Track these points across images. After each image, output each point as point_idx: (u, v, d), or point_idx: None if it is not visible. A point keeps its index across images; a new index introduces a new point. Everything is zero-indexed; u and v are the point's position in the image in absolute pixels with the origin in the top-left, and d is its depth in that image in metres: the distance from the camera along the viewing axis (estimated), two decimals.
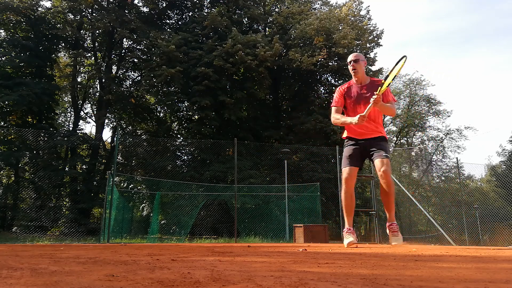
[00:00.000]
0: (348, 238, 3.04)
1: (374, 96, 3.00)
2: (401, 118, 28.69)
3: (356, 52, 16.89)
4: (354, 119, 3.04)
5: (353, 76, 3.29)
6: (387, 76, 3.11)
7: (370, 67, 18.20)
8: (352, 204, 3.17)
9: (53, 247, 2.95)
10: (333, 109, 3.30)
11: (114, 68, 18.95)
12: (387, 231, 3.17)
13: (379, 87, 3.05)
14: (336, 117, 3.24)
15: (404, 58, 3.05)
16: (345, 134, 3.35)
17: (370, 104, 3.01)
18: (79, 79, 18.68)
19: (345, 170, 3.17)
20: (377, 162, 3.07)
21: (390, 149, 27.33)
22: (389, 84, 3.12)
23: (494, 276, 0.99)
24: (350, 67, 3.29)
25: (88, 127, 49.13)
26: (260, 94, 16.99)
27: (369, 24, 18.35)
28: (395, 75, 3.10)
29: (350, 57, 3.32)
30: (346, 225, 3.14)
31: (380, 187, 3.10)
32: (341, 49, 15.54)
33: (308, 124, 15.47)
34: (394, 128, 29.60)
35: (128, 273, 0.93)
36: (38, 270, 1.00)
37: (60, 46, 18.16)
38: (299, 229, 6.42)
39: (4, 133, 15.01)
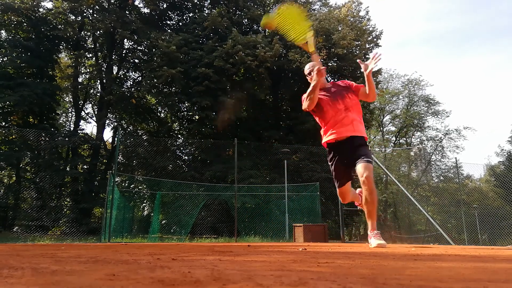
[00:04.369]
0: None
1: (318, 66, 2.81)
2: (400, 118, 28.70)
3: (355, 53, 16.91)
4: (315, 70, 2.80)
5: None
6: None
7: None
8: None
9: (54, 246, 2.96)
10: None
11: (115, 68, 18.98)
12: (370, 239, 2.86)
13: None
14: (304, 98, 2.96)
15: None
16: (324, 139, 3.00)
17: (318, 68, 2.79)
18: (80, 80, 18.71)
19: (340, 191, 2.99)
20: (358, 167, 2.79)
21: (388, 150, 27.34)
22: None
23: (493, 275, 0.99)
24: (308, 78, 3.05)
25: (89, 127, 49.36)
26: (260, 95, 17.00)
27: (368, 25, 18.36)
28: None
29: (306, 70, 3.11)
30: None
31: (362, 196, 2.82)
32: (340, 50, 15.55)
33: (307, 124, 15.48)
34: (393, 128, 29.63)
35: (129, 273, 0.94)
36: (39, 270, 1.01)
37: (61, 46, 18.20)
38: (299, 229, 6.43)
39: (5, 133, 15.03)
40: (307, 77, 3.07)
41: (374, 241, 2.80)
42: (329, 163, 3.06)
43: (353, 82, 3.09)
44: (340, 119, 2.89)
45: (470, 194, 15.90)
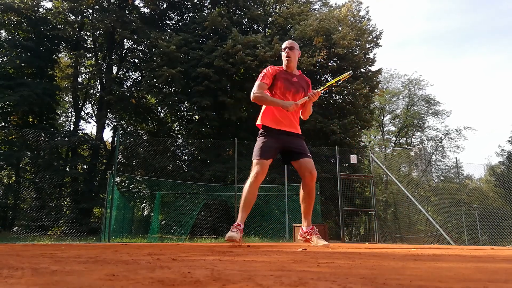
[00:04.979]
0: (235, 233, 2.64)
1: (314, 91, 2.91)
2: (400, 118, 28.70)
3: (356, 53, 16.91)
4: (287, 104, 2.75)
5: (284, 64, 3.00)
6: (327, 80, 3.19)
7: (369, 67, 18.18)
8: (253, 201, 2.82)
9: (54, 246, 2.95)
10: (259, 83, 2.85)
11: (115, 68, 18.98)
12: (311, 236, 2.92)
13: (323, 86, 3.09)
14: (260, 93, 2.82)
15: (349, 73, 3.10)
16: (259, 121, 2.95)
17: (306, 97, 2.90)
18: (80, 80, 18.70)
19: (258, 163, 2.80)
20: (305, 161, 2.87)
21: (388, 150, 27.31)
22: (325, 88, 3.15)
23: (493, 275, 0.99)
24: (284, 54, 2.97)
25: (89, 127, 49.28)
26: None
27: (369, 25, 18.37)
28: (334, 82, 3.12)
29: (286, 44, 3.01)
30: (238, 220, 2.74)
31: (304, 190, 2.90)
32: (340, 50, 15.55)
33: (307, 124, 15.47)
34: (393, 128, 29.64)
35: (129, 273, 0.93)
36: (39, 270, 1.00)
37: (61, 46, 18.19)
38: (299, 229, 6.42)
39: (5, 133, 15.03)
40: (282, 51, 3.00)
41: (319, 241, 2.90)
42: (259, 138, 2.93)
43: (310, 87, 3.12)
44: (283, 111, 2.89)
45: (470, 194, 15.91)
